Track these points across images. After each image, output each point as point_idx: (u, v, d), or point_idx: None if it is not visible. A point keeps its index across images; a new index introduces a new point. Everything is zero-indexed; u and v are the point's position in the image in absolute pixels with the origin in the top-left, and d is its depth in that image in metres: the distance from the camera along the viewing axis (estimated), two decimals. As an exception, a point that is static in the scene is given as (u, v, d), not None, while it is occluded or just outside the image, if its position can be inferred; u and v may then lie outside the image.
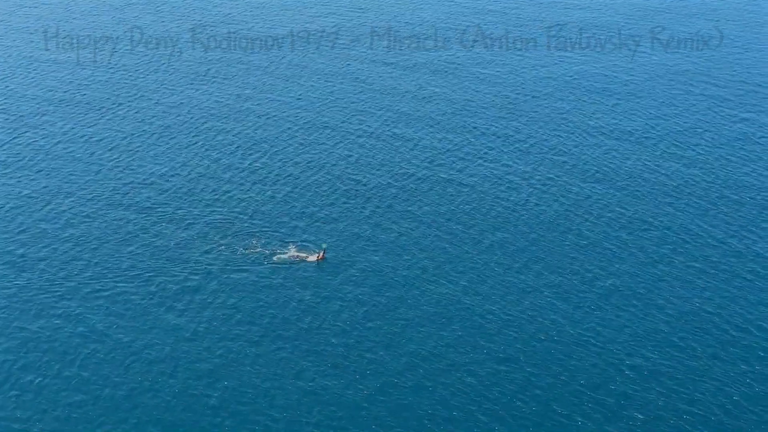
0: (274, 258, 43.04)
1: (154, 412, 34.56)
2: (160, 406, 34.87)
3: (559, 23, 74.74)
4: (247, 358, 37.19)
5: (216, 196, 48.86)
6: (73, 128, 56.56)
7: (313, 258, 42.86)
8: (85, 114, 58.48)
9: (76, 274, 42.28)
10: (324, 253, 42.85)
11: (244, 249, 43.66)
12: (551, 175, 51.24)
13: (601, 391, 35.68)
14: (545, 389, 35.76)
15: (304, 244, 44.23)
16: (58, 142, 54.83)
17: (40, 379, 36.21)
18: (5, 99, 60.61)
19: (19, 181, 50.41)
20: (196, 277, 42.00)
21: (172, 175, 51.12)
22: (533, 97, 61.43)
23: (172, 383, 35.90)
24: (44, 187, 49.80)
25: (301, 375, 36.37)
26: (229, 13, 76.61)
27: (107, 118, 58.01)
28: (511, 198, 48.91)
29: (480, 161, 52.76)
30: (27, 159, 52.84)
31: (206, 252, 43.82)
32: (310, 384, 35.92)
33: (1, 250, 44.07)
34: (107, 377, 36.26)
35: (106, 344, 38.03)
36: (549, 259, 43.71)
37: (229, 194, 49.05)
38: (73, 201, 48.38)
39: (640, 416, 34.56)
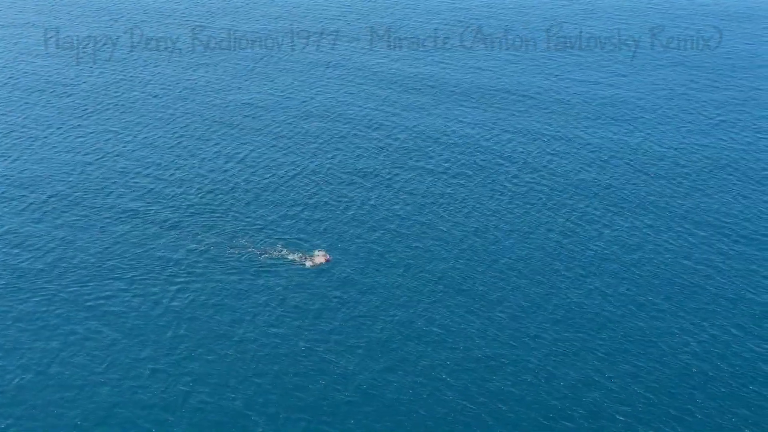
0: (262, 258, 42.86)
1: (133, 406, 34.89)
2: (140, 396, 35.26)
3: (558, 22, 74.82)
4: (231, 354, 37.33)
5: (213, 194, 49.07)
6: (63, 125, 57.17)
7: (320, 260, 42.42)
8: (75, 110, 59.13)
9: (61, 268, 42.58)
10: (320, 257, 42.57)
11: (231, 248, 43.61)
12: (537, 169, 51.41)
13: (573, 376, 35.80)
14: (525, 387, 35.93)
15: (299, 243, 44.19)
16: (48, 138, 55.48)
17: (22, 371, 36.56)
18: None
19: (6, 176, 51.07)
20: (185, 274, 42.20)
21: (161, 172, 51.52)
22: (525, 94, 61.56)
23: (155, 379, 36.13)
24: (32, 182, 50.35)
25: (285, 370, 36.60)
26: (212, 11, 77.33)
27: (102, 114, 58.67)
28: (497, 192, 49.13)
29: (471, 155, 52.98)
30: (17, 154, 53.47)
31: (194, 250, 43.89)
32: (294, 378, 36.05)
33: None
34: (88, 371, 36.50)
35: (88, 338, 38.25)
36: (530, 253, 43.80)
37: (226, 192, 49.19)
38: (57, 196, 48.79)
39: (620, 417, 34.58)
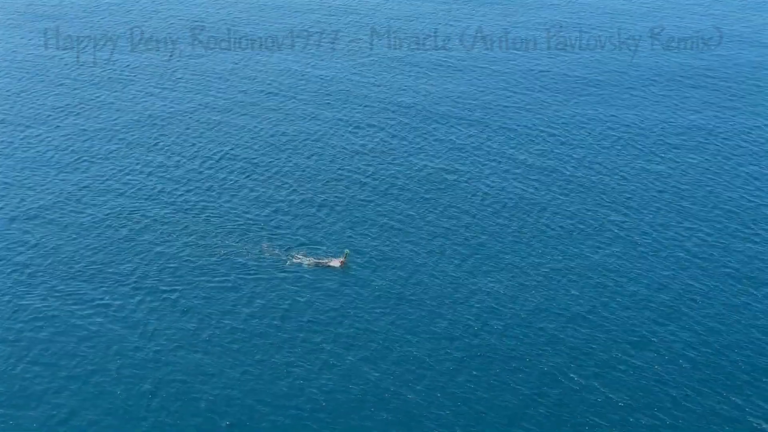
0: (288, 260, 42.64)
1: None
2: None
3: (559, 23, 74.86)
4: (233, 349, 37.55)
5: (231, 192, 49.17)
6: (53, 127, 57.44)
7: (336, 263, 42.11)
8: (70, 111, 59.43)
9: (72, 270, 42.64)
10: (345, 258, 42.05)
11: (230, 249, 43.56)
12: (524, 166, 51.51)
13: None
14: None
15: (310, 245, 44.03)
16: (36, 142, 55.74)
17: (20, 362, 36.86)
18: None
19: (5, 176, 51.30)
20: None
21: (156, 173, 51.68)
22: (525, 92, 61.68)
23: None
24: (29, 180, 50.58)
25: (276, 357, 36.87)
26: (200, 14, 77.49)
27: (103, 111, 58.92)
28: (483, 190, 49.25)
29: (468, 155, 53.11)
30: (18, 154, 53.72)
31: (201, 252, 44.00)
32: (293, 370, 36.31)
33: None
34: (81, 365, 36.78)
35: (86, 334, 38.56)
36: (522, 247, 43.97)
37: (246, 192, 49.25)
38: (58, 196, 48.99)
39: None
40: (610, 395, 34.85)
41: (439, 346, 37.47)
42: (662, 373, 35.89)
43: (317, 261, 42.37)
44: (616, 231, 45.36)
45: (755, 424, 33.63)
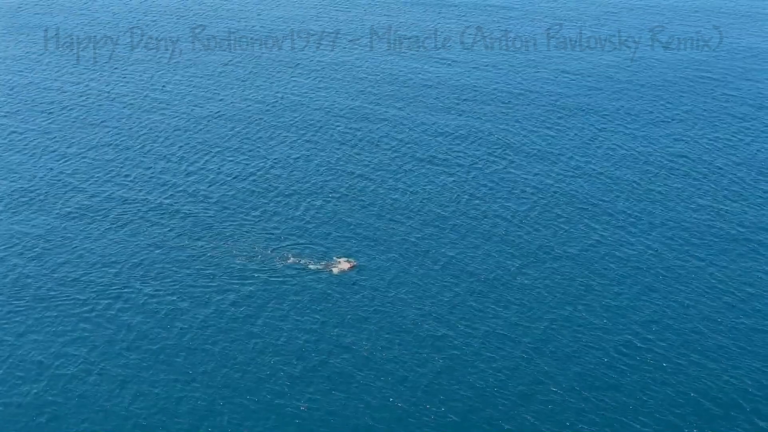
0: (284, 262, 42.46)
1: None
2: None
3: (559, 22, 74.79)
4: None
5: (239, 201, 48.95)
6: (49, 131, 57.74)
7: (344, 266, 41.83)
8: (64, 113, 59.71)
9: (78, 275, 42.40)
10: (349, 262, 41.93)
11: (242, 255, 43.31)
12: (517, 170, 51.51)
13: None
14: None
15: (316, 249, 43.76)
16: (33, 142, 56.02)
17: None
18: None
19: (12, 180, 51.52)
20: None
21: (158, 176, 51.83)
22: (527, 91, 61.68)
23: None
24: (33, 185, 50.77)
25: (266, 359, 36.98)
26: (193, 13, 77.77)
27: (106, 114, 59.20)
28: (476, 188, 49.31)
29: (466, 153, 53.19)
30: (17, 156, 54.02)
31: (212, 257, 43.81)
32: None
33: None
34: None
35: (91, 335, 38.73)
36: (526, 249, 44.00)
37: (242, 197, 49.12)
38: (69, 199, 49.10)
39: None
40: (589, 390, 35.05)
41: (422, 337, 37.63)
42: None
43: (318, 263, 42.21)
44: (602, 226, 45.39)
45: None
